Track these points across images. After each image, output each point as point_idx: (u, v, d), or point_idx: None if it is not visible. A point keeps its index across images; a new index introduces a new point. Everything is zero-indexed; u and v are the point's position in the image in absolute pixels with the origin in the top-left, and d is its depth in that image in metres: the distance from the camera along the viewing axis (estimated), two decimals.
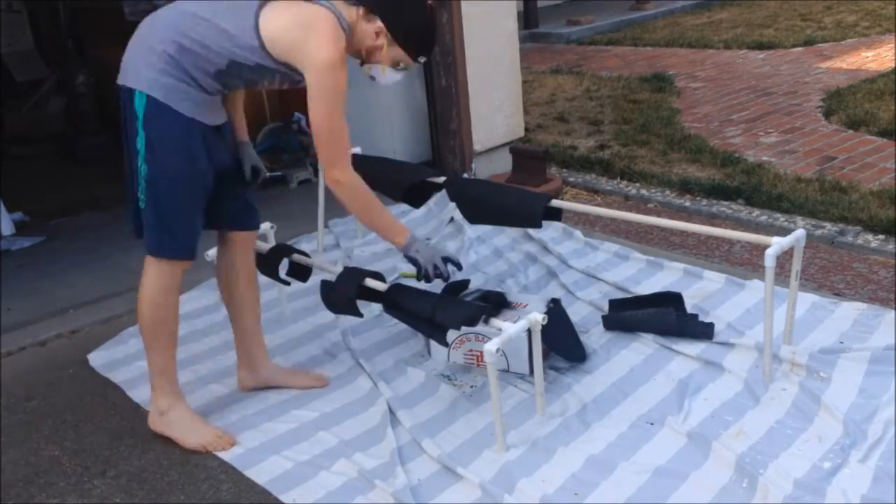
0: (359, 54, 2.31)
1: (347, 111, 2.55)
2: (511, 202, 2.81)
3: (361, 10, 2.24)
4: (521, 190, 3.15)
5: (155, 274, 2.31)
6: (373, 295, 2.47)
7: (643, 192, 4.29)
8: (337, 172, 2.23)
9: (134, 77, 2.18)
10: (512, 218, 2.88)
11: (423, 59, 2.33)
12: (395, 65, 2.30)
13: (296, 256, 2.71)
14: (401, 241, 2.38)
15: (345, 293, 2.44)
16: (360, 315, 2.50)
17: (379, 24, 2.22)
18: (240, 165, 2.50)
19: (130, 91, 2.17)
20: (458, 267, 2.49)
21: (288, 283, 2.83)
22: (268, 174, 4.80)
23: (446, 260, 2.43)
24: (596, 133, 5.40)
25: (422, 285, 2.49)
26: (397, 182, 3.17)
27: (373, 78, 2.34)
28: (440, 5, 4.22)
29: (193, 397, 2.66)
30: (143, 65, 2.16)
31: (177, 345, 2.43)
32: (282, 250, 2.75)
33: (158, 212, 2.24)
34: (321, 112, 2.16)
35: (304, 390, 2.65)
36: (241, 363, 2.65)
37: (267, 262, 2.76)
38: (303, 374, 2.73)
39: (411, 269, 2.48)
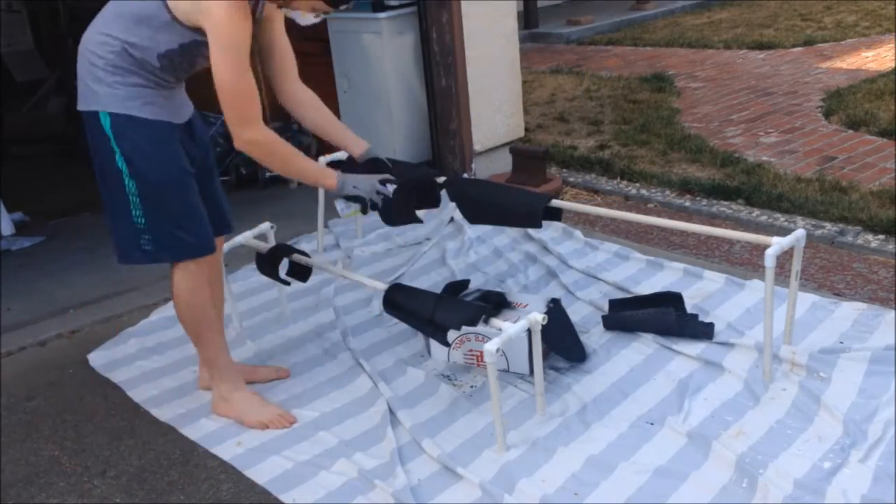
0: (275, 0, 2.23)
1: (348, 110, 2.55)
2: (511, 202, 2.80)
3: None
4: (521, 190, 3.15)
5: (183, 278, 2.36)
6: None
7: (643, 192, 4.29)
8: (249, 133, 2.11)
9: (91, 99, 2.17)
10: (512, 218, 2.88)
11: (343, 7, 2.24)
12: (313, 11, 2.22)
13: (296, 256, 2.71)
14: (333, 184, 2.32)
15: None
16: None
17: None
18: (210, 162, 2.49)
19: (94, 114, 2.16)
20: (394, 182, 2.40)
21: (288, 283, 2.83)
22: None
23: (384, 182, 2.37)
24: (596, 133, 5.40)
25: (421, 284, 2.49)
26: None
27: (293, 18, 2.28)
28: (440, 5, 4.22)
29: (193, 398, 2.67)
30: (93, 83, 2.15)
31: (223, 332, 2.54)
32: (282, 250, 2.75)
33: (163, 220, 2.25)
34: (222, 69, 2.04)
35: (268, 383, 2.71)
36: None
37: (267, 262, 2.76)
38: (265, 369, 2.78)
39: (353, 208, 2.46)
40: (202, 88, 2.41)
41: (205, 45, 2.10)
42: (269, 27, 2.37)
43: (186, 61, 2.22)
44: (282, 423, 2.47)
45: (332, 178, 2.32)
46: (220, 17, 2.02)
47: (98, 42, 2.14)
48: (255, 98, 2.11)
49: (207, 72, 2.11)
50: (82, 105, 2.19)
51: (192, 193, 2.31)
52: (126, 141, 2.17)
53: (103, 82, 2.14)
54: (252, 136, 2.12)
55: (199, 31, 2.10)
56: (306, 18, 2.24)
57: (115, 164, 2.18)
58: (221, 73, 2.06)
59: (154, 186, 2.21)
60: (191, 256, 2.33)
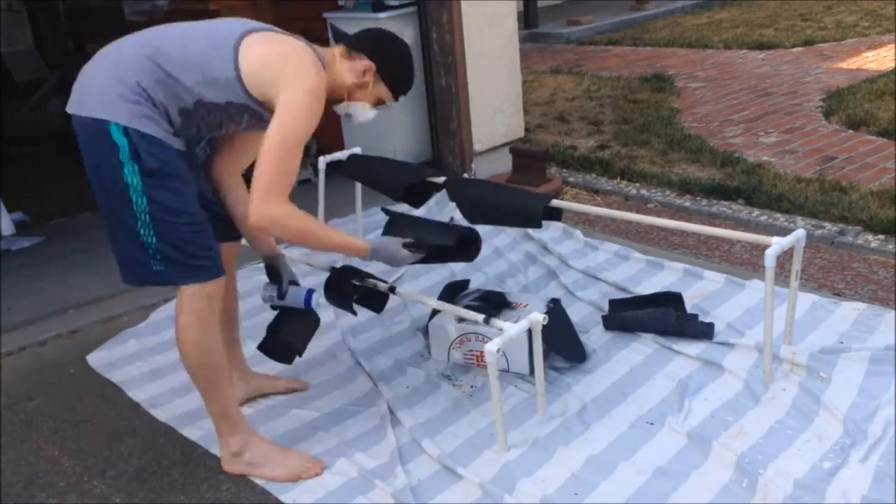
0: (334, 94, 2.15)
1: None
2: (511, 202, 2.80)
3: (340, 49, 2.15)
4: (521, 190, 3.15)
5: (192, 308, 2.07)
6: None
7: (643, 192, 4.29)
8: (273, 206, 1.97)
9: (104, 108, 1.96)
10: (512, 218, 2.88)
11: (399, 98, 2.27)
12: (376, 103, 2.22)
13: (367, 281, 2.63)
14: (362, 255, 2.24)
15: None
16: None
17: (367, 62, 2.13)
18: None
19: (102, 122, 1.95)
20: (418, 248, 2.37)
21: (356, 314, 2.77)
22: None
23: (406, 245, 2.34)
24: (596, 133, 5.40)
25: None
26: (397, 182, 3.16)
27: (348, 116, 2.23)
28: (440, 5, 4.22)
29: (192, 397, 2.66)
30: (115, 96, 1.95)
31: (232, 381, 2.33)
32: (350, 274, 2.65)
33: (177, 239, 2.02)
34: (290, 130, 1.96)
35: (290, 393, 2.64)
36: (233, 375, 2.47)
37: (335, 290, 2.70)
38: (285, 380, 2.68)
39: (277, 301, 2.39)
40: None
41: (253, 115, 2.05)
42: None
43: (216, 120, 2.07)
44: (313, 470, 2.22)
45: (364, 250, 2.23)
46: (307, 88, 1.97)
47: (137, 69, 1.97)
48: (291, 179, 2.02)
49: None
50: (84, 110, 2.00)
51: (200, 213, 2.10)
52: (147, 157, 1.96)
53: (128, 100, 1.96)
54: (273, 210, 1.98)
55: (259, 102, 2.03)
56: (366, 113, 2.21)
57: (123, 179, 1.97)
58: (285, 134, 1.96)
59: (167, 205, 2.00)
60: (202, 279, 2.06)
